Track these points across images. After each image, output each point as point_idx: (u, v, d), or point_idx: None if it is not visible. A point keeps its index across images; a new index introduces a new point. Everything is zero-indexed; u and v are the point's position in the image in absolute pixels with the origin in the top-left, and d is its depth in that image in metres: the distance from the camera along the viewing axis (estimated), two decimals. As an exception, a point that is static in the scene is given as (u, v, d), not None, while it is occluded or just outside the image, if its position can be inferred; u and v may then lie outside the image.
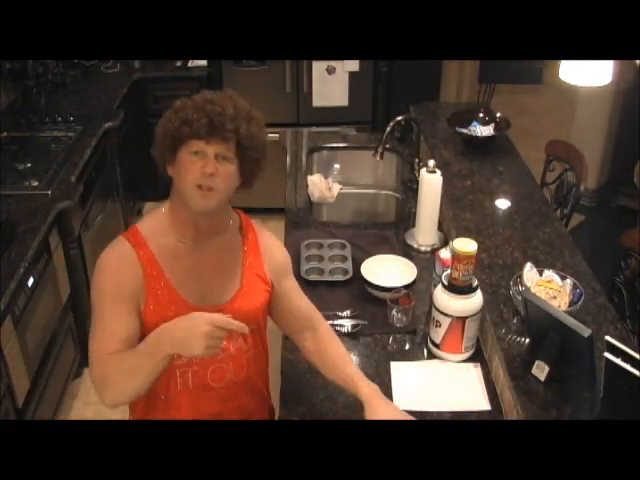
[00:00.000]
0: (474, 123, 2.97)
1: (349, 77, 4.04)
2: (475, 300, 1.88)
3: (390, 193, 3.01)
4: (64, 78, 3.95)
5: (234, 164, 1.53)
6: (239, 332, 1.49)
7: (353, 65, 3.99)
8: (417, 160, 2.83)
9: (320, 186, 2.84)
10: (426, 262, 2.36)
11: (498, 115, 3.01)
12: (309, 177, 2.90)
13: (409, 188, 2.84)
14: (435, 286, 1.98)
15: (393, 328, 2.03)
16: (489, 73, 4.74)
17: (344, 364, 1.71)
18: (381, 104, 4.22)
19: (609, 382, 1.61)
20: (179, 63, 4.28)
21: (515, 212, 2.47)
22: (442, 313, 1.88)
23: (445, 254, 2.09)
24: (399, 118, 2.77)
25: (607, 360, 1.58)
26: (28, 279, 2.53)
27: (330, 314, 2.04)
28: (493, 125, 2.97)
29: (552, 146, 3.13)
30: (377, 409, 1.60)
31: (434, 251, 2.25)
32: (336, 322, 2.05)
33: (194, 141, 1.49)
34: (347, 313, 2.12)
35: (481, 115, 3.01)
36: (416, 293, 2.15)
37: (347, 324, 2.06)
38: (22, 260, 2.44)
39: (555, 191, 3.06)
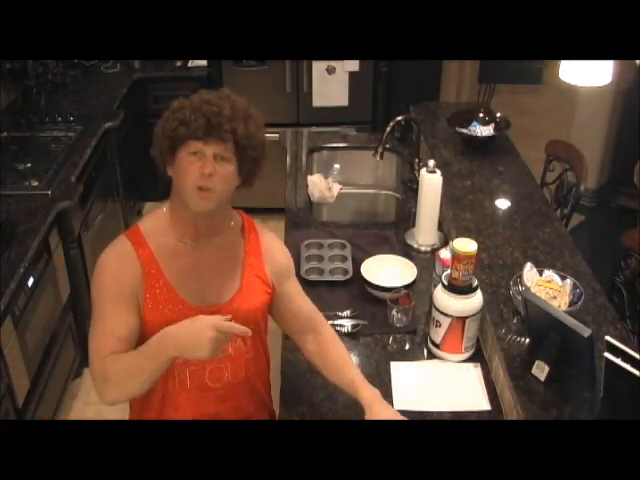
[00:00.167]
0: (474, 123, 2.97)
1: (349, 77, 4.03)
2: (475, 300, 1.88)
3: (390, 193, 3.01)
4: (64, 78, 3.94)
5: (233, 164, 1.53)
6: (241, 335, 1.50)
7: (353, 65, 3.99)
8: (417, 160, 2.83)
9: (320, 186, 2.84)
10: (426, 262, 2.36)
11: (498, 115, 3.01)
12: (309, 177, 2.90)
13: (409, 188, 2.84)
14: (435, 286, 1.98)
15: (393, 328, 2.03)
16: (489, 73, 4.73)
17: (346, 367, 1.71)
18: (381, 104, 4.21)
19: (609, 382, 1.61)
20: (179, 63, 4.27)
21: (515, 212, 2.47)
22: (442, 313, 1.89)
23: (445, 254, 2.09)
24: (399, 118, 2.77)
25: (607, 360, 1.58)
26: (28, 279, 2.53)
27: (330, 314, 2.04)
28: (493, 125, 2.96)
29: (552, 146, 3.13)
30: (378, 413, 1.60)
31: (434, 251, 2.25)
32: (336, 322, 2.05)
33: (192, 142, 1.49)
34: (347, 313, 2.12)
35: (481, 115, 3.01)
36: (416, 293, 2.15)
37: (347, 324, 2.07)
38: (22, 260, 2.44)
39: (555, 191, 3.06)
